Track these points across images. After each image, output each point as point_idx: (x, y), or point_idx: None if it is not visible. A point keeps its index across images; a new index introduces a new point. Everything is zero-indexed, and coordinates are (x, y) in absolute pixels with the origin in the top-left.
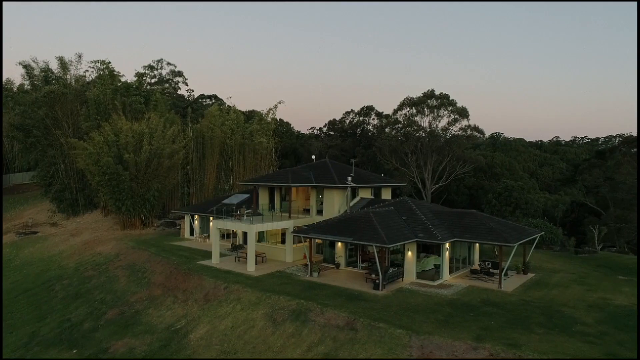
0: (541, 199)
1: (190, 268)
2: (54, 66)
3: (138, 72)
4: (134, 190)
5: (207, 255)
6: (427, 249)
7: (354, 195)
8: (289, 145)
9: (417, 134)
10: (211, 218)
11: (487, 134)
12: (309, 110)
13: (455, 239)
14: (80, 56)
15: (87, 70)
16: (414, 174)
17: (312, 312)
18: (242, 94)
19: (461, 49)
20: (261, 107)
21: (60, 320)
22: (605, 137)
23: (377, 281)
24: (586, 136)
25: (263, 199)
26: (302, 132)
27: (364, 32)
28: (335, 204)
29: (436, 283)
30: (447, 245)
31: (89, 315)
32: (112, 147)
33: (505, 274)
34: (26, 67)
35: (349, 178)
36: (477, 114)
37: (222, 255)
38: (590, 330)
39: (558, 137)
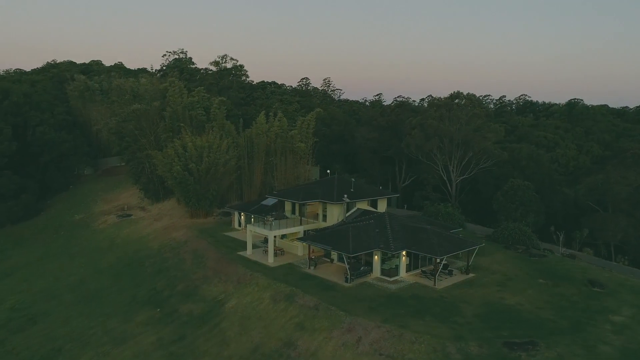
0: (566, 190)
1: (232, 258)
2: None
3: (200, 90)
4: (197, 191)
5: (246, 246)
6: None
7: (353, 206)
8: (337, 132)
9: (440, 134)
10: (252, 217)
11: (564, 101)
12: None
13: (405, 250)
14: (160, 77)
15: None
16: (439, 167)
17: (297, 296)
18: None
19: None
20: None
21: (149, 289)
22: None
23: (347, 276)
24: None
25: (287, 205)
26: (355, 100)
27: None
28: (334, 214)
29: (392, 279)
30: (403, 252)
31: (167, 286)
32: (181, 158)
33: (450, 274)
34: (118, 87)
35: (345, 195)
36: (553, 78)
37: (254, 246)
38: (462, 320)
39: None
